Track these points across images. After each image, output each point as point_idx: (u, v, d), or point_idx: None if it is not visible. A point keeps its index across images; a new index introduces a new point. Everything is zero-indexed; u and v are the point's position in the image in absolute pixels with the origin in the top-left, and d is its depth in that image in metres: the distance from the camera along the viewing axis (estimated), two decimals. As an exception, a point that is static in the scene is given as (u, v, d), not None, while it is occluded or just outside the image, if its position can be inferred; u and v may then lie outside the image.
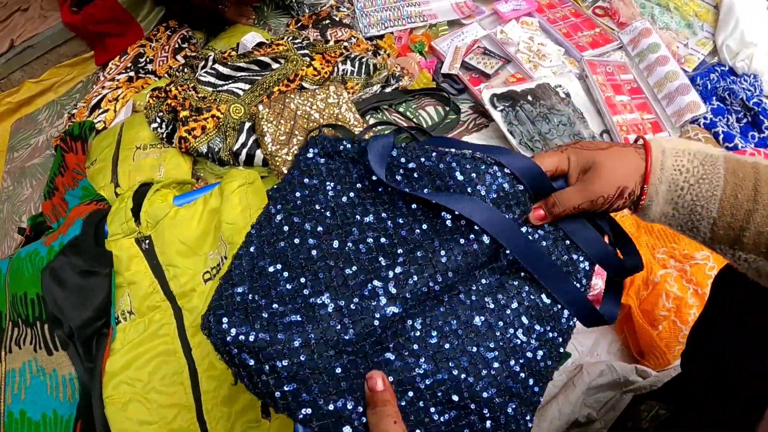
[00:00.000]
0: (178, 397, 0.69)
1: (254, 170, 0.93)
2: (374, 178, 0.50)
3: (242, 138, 0.94)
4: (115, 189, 0.93)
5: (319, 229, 0.48)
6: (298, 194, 0.51)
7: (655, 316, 0.82)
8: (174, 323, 0.71)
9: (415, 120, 1.07)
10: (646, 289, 0.88)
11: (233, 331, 0.41)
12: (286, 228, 0.48)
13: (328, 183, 0.52)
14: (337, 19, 1.24)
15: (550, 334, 0.47)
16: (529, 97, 1.10)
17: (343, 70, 1.07)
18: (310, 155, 0.53)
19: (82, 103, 1.19)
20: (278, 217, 0.49)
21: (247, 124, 0.95)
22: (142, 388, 0.70)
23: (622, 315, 0.86)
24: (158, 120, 0.97)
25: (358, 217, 0.49)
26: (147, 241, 0.75)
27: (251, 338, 0.40)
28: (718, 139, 1.13)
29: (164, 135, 0.96)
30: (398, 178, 0.51)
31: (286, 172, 0.88)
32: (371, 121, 1.04)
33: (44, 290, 0.74)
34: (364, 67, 1.08)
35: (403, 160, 0.51)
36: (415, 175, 0.50)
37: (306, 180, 0.52)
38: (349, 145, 0.54)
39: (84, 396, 0.72)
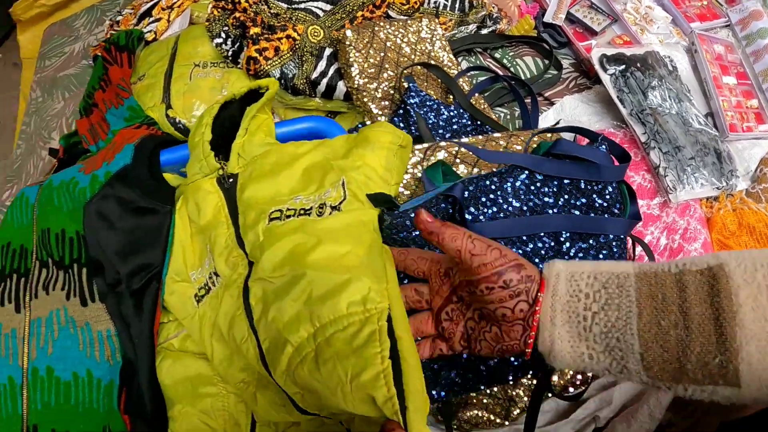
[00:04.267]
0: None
1: (335, 104, 0.72)
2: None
3: (322, 65, 0.72)
4: (166, 110, 0.72)
5: None
6: None
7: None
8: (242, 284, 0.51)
9: (512, 69, 0.86)
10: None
11: None
12: None
13: None
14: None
15: None
16: (639, 64, 0.89)
17: (436, 2, 0.84)
18: None
19: (129, 9, 0.95)
20: None
21: (328, 51, 0.73)
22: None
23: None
24: (223, 35, 0.74)
25: None
26: (230, 180, 0.53)
27: None
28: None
29: (229, 53, 0.74)
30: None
31: (374, 109, 0.67)
32: (464, 65, 0.82)
33: (87, 229, 0.54)
34: (458, 2, 0.85)
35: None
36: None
37: None
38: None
39: (128, 360, 0.54)
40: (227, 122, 0.56)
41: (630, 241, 0.67)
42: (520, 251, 0.57)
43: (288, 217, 0.47)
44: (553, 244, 0.59)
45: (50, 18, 1.18)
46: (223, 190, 0.53)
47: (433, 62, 0.76)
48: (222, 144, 0.55)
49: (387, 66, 0.72)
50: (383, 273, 0.40)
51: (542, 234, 0.58)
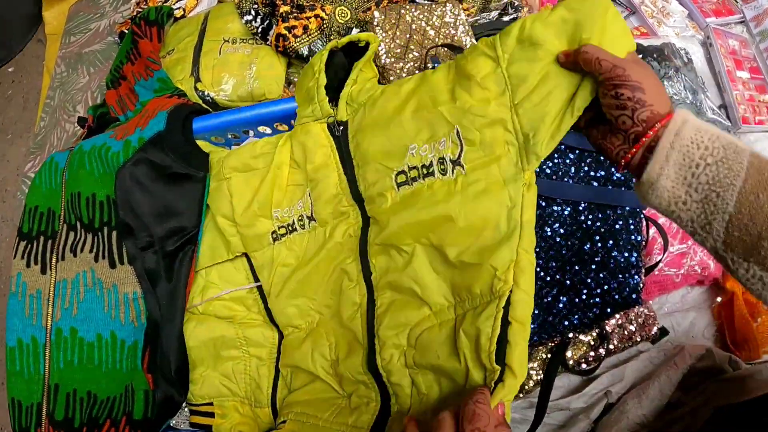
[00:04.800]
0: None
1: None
2: None
3: (349, 46, 0.71)
4: (195, 84, 0.72)
5: None
6: None
7: (757, 307, 0.70)
8: (359, 236, 0.51)
9: (532, 59, 0.85)
10: (753, 280, 0.74)
11: None
12: None
13: None
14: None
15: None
16: (655, 55, 0.88)
17: (459, -12, 0.83)
18: None
19: (157, -14, 0.93)
20: None
21: (355, 31, 0.73)
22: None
23: (724, 301, 0.72)
24: (253, 12, 0.74)
25: None
26: (341, 128, 0.52)
27: None
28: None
29: (258, 30, 0.74)
30: None
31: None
32: (486, 52, 0.81)
33: (119, 193, 0.54)
34: (481, -11, 0.84)
35: None
36: None
37: None
38: None
39: (153, 320, 0.54)
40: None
41: (644, 222, 0.67)
42: (538, 211, 0.58)
43: (414, 180, 0.47)
44: (570, 210, 0.59)
45: (76, -5, 1.17)
46: (334, 138, 0.52)
47: (455, 45, 0.76)
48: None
49: (412, 47, 0.72)
50: (516, 239, 0.42)
51: (559, 200, 0.59)
